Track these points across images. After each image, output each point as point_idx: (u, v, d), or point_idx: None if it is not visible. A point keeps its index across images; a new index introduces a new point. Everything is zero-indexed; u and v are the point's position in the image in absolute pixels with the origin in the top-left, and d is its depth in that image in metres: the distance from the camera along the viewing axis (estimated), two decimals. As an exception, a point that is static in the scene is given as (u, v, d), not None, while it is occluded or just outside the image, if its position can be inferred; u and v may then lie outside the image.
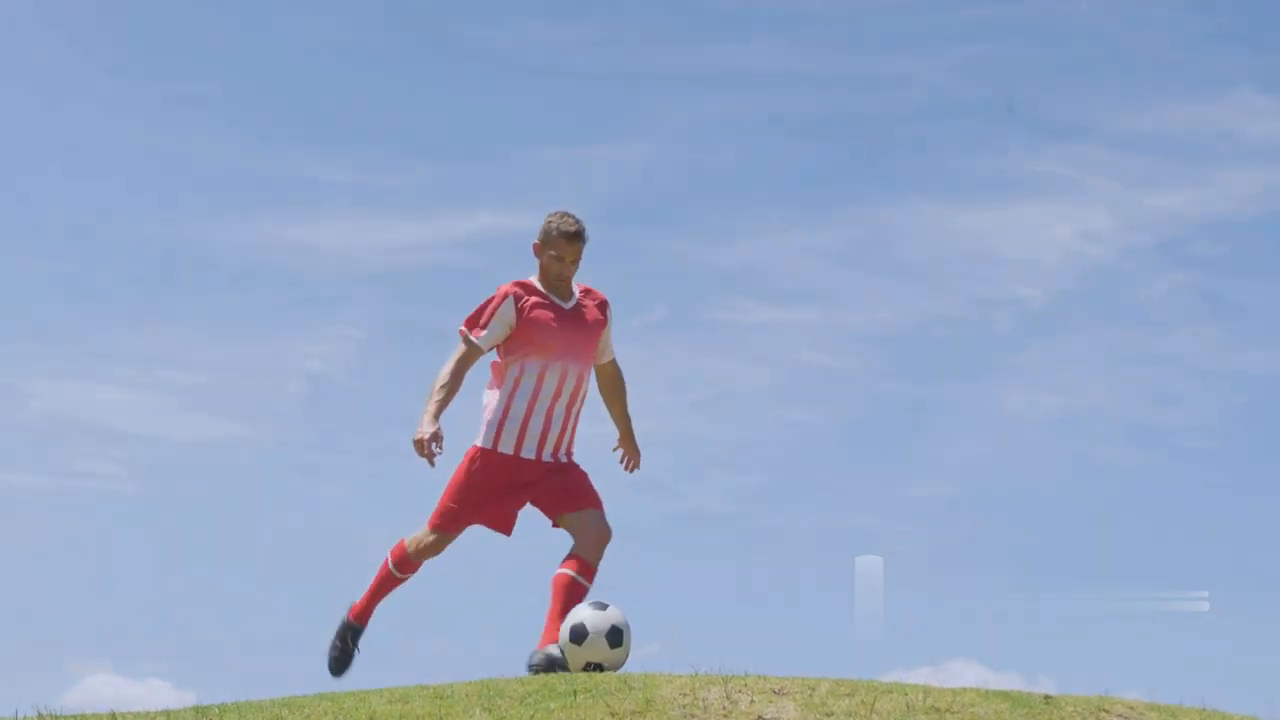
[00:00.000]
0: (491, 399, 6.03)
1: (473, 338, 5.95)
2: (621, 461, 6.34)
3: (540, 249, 6.04)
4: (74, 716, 4.87)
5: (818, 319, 15.93)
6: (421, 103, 17.53)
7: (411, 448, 5.80)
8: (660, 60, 17.18)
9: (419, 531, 6.06)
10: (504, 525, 6.01)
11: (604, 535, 5.89)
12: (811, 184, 16.13)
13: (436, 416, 5.84)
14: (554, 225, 6.01)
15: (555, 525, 5.96)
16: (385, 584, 6.13)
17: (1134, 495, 13.79)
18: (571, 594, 5.75)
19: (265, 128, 17.25)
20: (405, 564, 6.06)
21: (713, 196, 16.78)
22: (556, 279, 6.04)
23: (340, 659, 6.16)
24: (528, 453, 5.95)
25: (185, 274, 16.73)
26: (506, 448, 5.95)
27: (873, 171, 16.74)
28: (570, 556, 5.85)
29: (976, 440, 14.96)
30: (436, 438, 5.79)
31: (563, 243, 6.00)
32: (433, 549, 6.03)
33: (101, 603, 12.82)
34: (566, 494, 5.95)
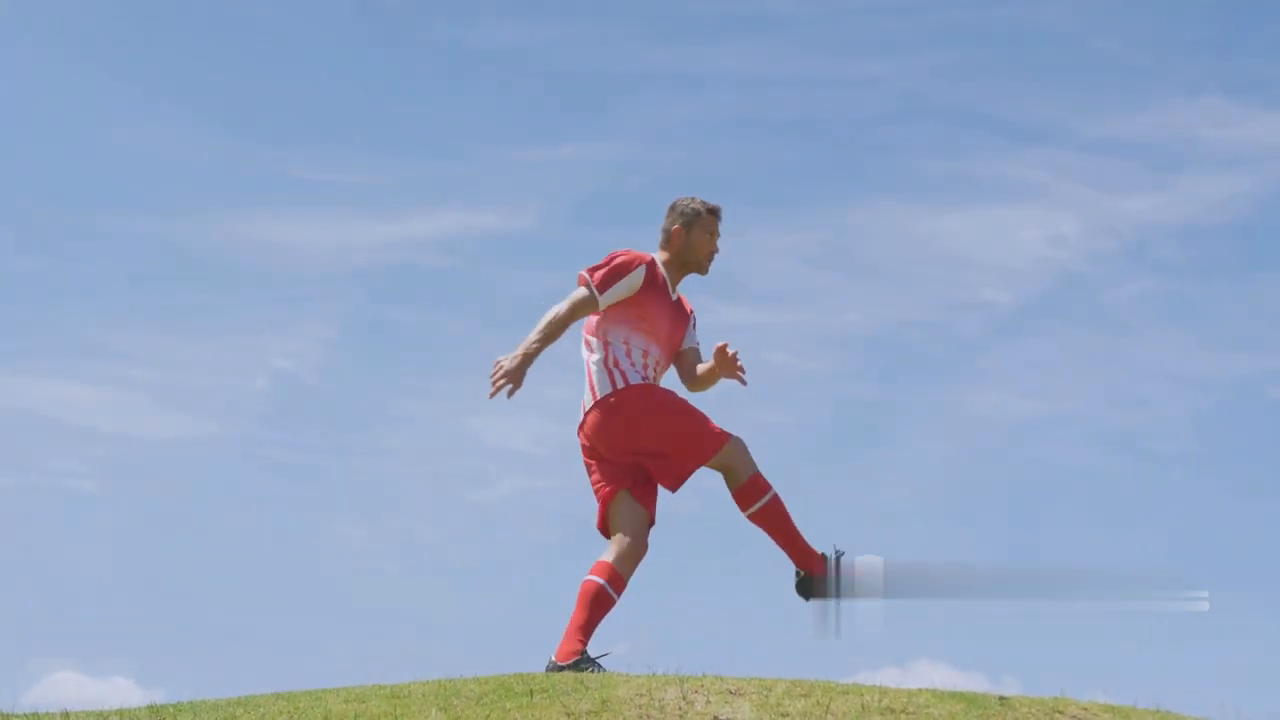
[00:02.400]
0: (601, 356, 5.81)
1: (597, 292, 5.78)
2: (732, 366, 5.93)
3: (684, 231, 5.96)
4: (27, 715, 4.84)
5: (787, 320, 15.95)
6: (393, 101, 17.52)
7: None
8: (631, 61, 17.19)
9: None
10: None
11: (643, 549, 5.74)
12: (782, 186, 16.18)
13: (532, 361, 5.63)
14: (699, 205, 5.98)
15: (611, 507, 5.77)
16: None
17: (1101, 498, 13.85)
18: (599, 605, 5.58)
19: (235, 126, 17.21)
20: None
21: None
22: (708, 257, 5.99)
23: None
24: None
25: (154, 271, 16.69)
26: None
27: (843, 174, 16.80)
28: (602, 563, 5.67)
29: (944, 442, 15.00)
30: (517, 383, 5.58)
31: (713, 219, 5.99)
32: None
33: (66, 601, 12.78)
34: (644, 479, 5.78)
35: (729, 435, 5.71)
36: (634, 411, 5.72)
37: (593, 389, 5.80)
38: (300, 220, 16.96)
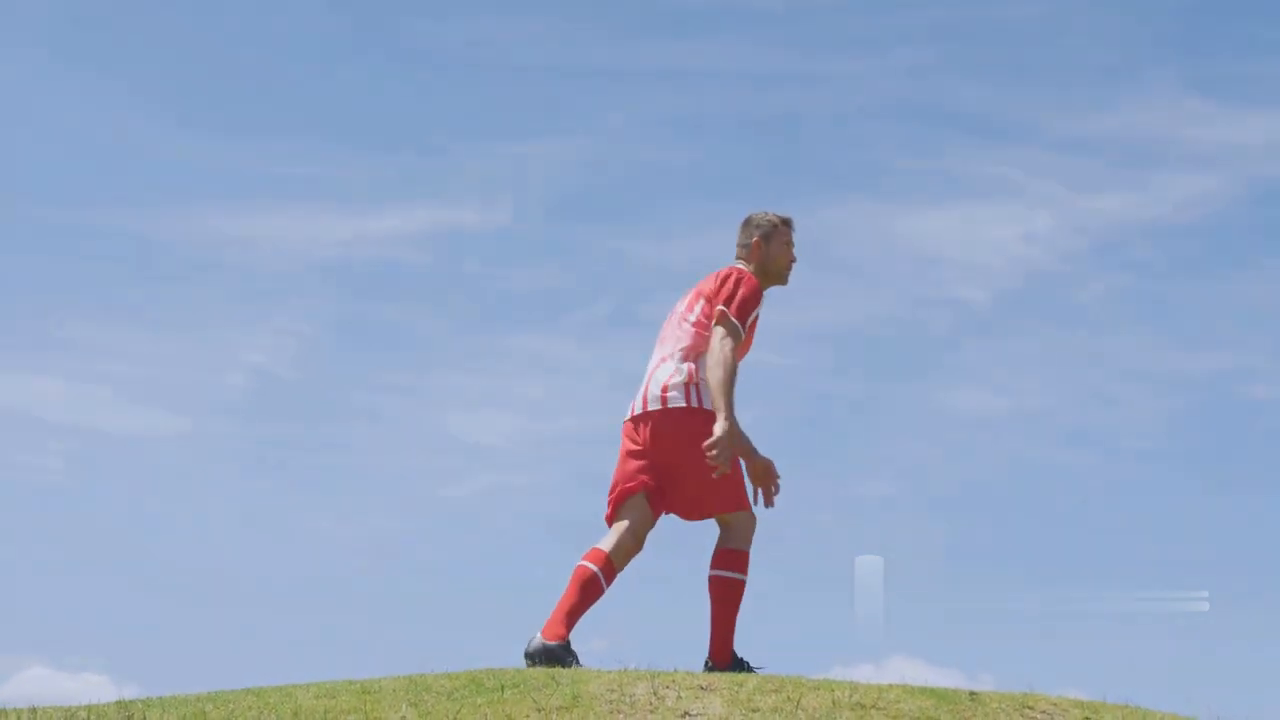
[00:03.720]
0: (691, 366, 5.83)
1: (740, 327, 5.78)
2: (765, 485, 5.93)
3: (764, 244, 6.00)
4: (-6, 710, 4.81)
5: (761, 317, 15.97)
6: (367, 97, 17.48)
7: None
8: (604, 56, 17.19)
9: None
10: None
11: (639, 548, 5.76)
12: (754, 182, 16.15)
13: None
14: (774, 217, 6.02)
15: (624, 500, 5.78)
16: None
17: (1072, 495, 13.89)
18: (589, 592, 5.60)
19: (209, 120, 17.15)
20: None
21: (655, 193, 16.81)
22: (788, 267, 6.04)
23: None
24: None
25: (127, 266, 16.63)
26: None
27: (815, 171, 16.80)
28: (598, 551, 5.68)
29: (917, 439, 15.03)
30: (732, 454, 5.58)
31: (788, 230, 6.05)
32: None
33: (37, 597, 12.73)
34: (663, 491, 5.81)
35: (750, 508, 5.78)
36: (692, 437, 5.68)
37: (664, 391, 5.79)
38: (273, 214, 16.91)
